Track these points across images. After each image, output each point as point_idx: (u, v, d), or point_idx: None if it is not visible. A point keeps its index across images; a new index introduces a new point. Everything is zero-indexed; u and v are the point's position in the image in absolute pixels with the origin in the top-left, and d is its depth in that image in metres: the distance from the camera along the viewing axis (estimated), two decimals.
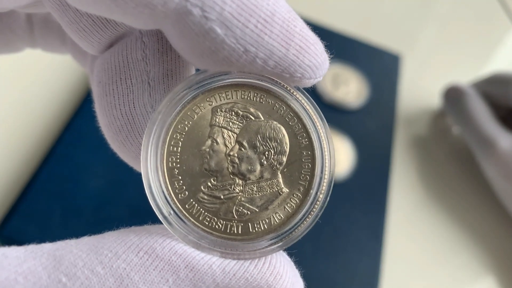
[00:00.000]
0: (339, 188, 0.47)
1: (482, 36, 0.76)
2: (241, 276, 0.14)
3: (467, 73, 0.64)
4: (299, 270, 0.15)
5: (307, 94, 0.16)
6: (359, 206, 0.47)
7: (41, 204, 0.36)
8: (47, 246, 0.13)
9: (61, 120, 0.43)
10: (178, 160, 0.15)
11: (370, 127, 0.54)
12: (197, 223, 0.15)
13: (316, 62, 0.15)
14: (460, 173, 0.55)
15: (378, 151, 0.52)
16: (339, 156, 0.49)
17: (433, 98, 0.61)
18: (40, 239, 0.38)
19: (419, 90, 0.62)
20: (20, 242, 0.36)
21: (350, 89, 0.55)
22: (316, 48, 0.15)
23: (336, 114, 0.53)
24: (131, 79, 0.17)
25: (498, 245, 0.50)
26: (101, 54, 0.18)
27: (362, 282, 0.42)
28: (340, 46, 0.60)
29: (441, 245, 0.49)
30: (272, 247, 0.15)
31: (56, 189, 0.37)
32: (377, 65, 0.60)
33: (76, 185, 0.38)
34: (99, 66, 0.18)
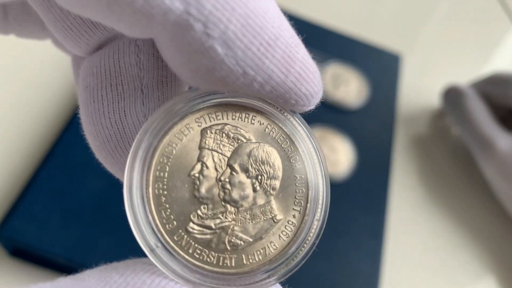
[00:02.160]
0: (339, 188, 0.47)
1: (482, 36, 0.76)
2: None
3: (467, 73, 0.64)
4: (296, 282, 0.14)
5: (298, 114, 0.15)
6: (359, 206, 0.47)
7: (41, 204, 0.36)
8: None
9: (61, 120, 0.43)
10: (165, 187, 0.14)
11: (370, 127, 0.54)
12: (186, 256, 0.13)
13: (312, 91, 0.14)
14: (460, 173, 0.55)
15: (378, 151, 0.52)
16: (339, 156, 0.49)
17: (433, 98, 0.61)
18: (40, 239, 0.37)
19: (419, 90, 0.62)
20: (20, 242, 0.36)
21: (350, 89, 0.55)
22: (315, 77, 0.14)
23: (336, 114, 0.53)
24: (122, 85, 0.15)
25: (498, 245, 0.50)
26: (88, 56, 0.16)
27: (362, 282, 0.42)
28: (340, 46, 0.60)
29: (441, 245, 0.49)
30: (268, 280, 0.14)
31: (56, 189, 0.37)
32: (377, 65, 0.60)
33: (76, 185, 0.38)
34: (86, 69, 0.16)
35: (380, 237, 0.45)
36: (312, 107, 0.15)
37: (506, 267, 0.49)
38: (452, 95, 0.54)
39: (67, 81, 0.46)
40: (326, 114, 0.52)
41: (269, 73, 0.13)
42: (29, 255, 0.36)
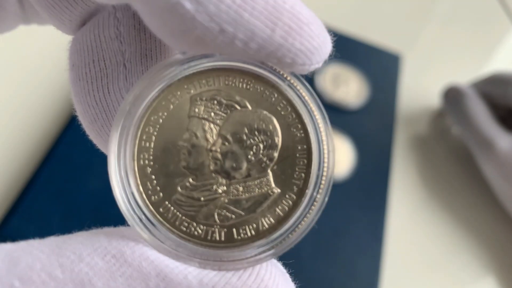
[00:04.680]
0: (339, 188, 0.47)
1: (482, 36, 0.76)
2: None
3: (467, 73, 0.64)
4: (296, 283, 0.13)
5: (302, 79, 0.14)
6: (359, 206, 0.47)
7: (41, 204, 0.36)
8: (6, 247, 0.12)
9: (61, 120, 0.43)
10: (151, 157, 0.13)
11: (370, 127, 0.54)
12: (172, 229, 0.13)
13: (310, 46, 0.12)
14: (460, 173, 0.55)
15: (378, 151, 0.52)
16: (339, 156, 0.49)
17: (433, 98, 0.61)
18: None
19: (419, 90, 0.62)
20: None
21: (350, 89, 0.55)
22: (311, 29, 0.12)
23: (336, 114, 0.53)
24: (104, 60, 0.15)
25: (498, 245, 0.50)
26: (74, 34, 0.16)
27: (362, 282, 0.42)
28: (340, 46, 0.60)
29: (441, 245, 0.49)
30: (261, 256, 0.13)
31: (56, 189, 0.37)
32: (377, 65, 0.60)
33: (76, 185, 0.38)
34: (71, 48, 0.16)
35: (380, 237, 0.45)
36: (317, 65, 0.13)
37: (506, 267, 0.49)
38: (452, 95, 0.54)
39: (68, 81, 0.46)
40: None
41: (251, 29, 0.12)
42: None
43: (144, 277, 0.12)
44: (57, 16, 0.15)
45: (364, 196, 0.48)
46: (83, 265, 0.11)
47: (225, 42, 0.12)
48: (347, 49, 0.60)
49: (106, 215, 0.37)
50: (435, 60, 0.69)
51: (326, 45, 0.13)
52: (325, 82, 0.54)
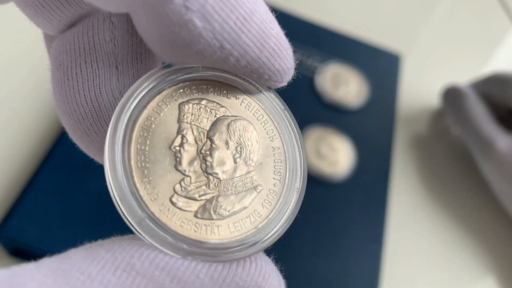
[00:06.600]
0: (339, 188, 0.47)
1: (482, 36, 0.76)
2: (231, 281, 0.13)
3: (467, 73, 0.64)
4: (296, 282, 0.14)
5: (272, 89, 0.16)
6: (359, 206, 0.47)
7: (41, 204, 0.36)
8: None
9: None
10: (147, 160, 0.14)
11: (370, 127, 0.54)
12: (173, 228, 0.14)
13: (285, 67, 0.14)
14: (460, 173, 0.55)
15: (378, 151, 0.52)
16: (339, 156, 0.49)
17: (433, 98, 0.61)
18: (40, 239, 0.37)
19: (419, 90, 0.62)
20: (20, 242, 0.36)
21: (350, 89, 0.55)
22: (288, 54, 0.14)
23: (336, 114, 0.53)
24: (97, 62, 0.15)
25: (498, 245, 0.50)
26: (59, 34, 0.16)
27: (362, 282, 0.42)
28: (340, 46, 0.60)
29: (441, 245, 0.49)
30: (256, 246, 0.14)
31: (56, 189, 0.37)
32: (377, 65, 0.60)
33: (76, 185, 0.38)
34: (59, 47, 0.16)
35: (380, 237, 0.45)
36: (285, 83, 0.15)
37: (506, 267, 0.49)
38: (452, 95, 0.54)
39: None
40: (326, 114, 0.52)
41: (245, 48, 0.13)
42: (29, 255, 0.36)
43: (160, 285, 0.12)
44: (44, 15, 0.15)
45: (364, 196, 0.48)
46: (96, 284, 0.11)
47: (221, 58, 0.13)
48: (347, 49, 0.60)
49: (106, 214, 0.37)
50: (435, 60, 0.69)
51: (293, 68, 0.15)
52: (325, 82, 0.54)
